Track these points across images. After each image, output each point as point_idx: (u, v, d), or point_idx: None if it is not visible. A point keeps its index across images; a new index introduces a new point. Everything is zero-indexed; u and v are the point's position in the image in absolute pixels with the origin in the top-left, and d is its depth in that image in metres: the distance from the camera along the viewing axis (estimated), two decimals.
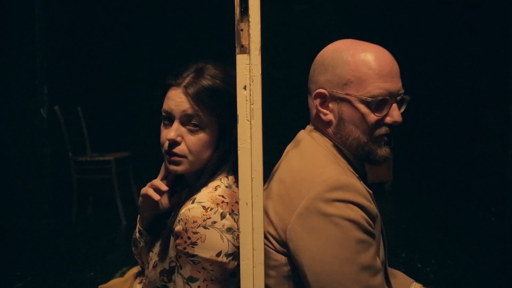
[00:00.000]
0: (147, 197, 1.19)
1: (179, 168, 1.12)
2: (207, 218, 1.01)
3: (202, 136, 1.10)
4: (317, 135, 1.12)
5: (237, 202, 1.08)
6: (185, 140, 1.10)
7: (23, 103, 3.85)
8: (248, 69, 0.88)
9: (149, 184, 1.22)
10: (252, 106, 0.88)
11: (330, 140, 1.11)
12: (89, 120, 4.27)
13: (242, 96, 0.89)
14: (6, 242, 3.52)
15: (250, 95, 0.88)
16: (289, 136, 1.24)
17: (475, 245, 3.23)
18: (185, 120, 1.10)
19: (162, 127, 1.15)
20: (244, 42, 0.89)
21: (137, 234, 1.30)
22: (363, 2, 4.95)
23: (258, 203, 0.89)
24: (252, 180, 0.89)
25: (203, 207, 1.03)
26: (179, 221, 1.04)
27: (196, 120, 1.09)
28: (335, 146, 1.10)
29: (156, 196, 1.17)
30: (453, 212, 4.16)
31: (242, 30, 0.89)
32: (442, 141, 4.96)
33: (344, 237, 0.94)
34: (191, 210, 1.02)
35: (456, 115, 4.88)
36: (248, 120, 0.88)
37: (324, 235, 0.94)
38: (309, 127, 1.16)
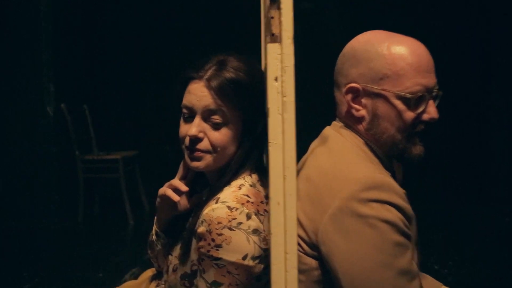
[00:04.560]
0: (165, 198, 1.13)
1: (201, 164, 1.06)
2: (232, 219, 0.96)
3: (225, 131, 1.04)
4: (346, 132, 1.07)
5: (262, 202, 1.03)
6: (208, 136, 1.04)
7: (29, 101, 3.81)
8: (280, 59, 0.82)
9: (167, 184, 1.16)
10: (284, 98, 0.82)
11: (360, 137, 1.05)
12: (95, 118, 4.22)
13: (273, 88, 0.82)
14: (13, 242, 3.48)
15: (282, 86, 0.82)
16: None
17: (492, 246, 3.17)
18: (208, 115, 1.04)
19: (181, 122, 1.09)
20: (274, 30, 0.82)
21: (154, 237, 1.24)
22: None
23: (291, 203, 0.82)
24: (284, 178, 0.83)
25: (228, 207, 0.97)
26: (202, 222, 0.98)
27: (219, 115, 1.03)
28: (366, 144, 1.05)
29: (175, 197, 1.11)
30: (467, 212, 4.09)
31: (272, 17, 0.83)
32: (455, 139, 4.87)
33: (381, 240, 0.89)
34: (215, 210, 0.97)
35: (468, 112, 4.80)
36: (280, 114, 0.82)
37: (359, 237, 0.89)
38: (337, 124, 1.11)
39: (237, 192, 1.02)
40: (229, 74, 1.04)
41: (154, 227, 1.25)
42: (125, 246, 3.32)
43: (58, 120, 3.84)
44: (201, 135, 1.04)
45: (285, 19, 0.81)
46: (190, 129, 1.04)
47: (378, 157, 1.05)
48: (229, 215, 0.96)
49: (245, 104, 1.04)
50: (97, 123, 4.25)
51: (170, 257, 1.16)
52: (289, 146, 0.83)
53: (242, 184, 1.04)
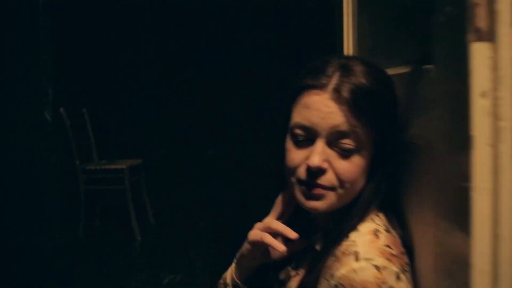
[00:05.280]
0: (261, 245, 0.87)
1: (321, 205, 0.79)
2: (382, 283, 0.70)
3: (357, 160, 0.78)
4: None
5: (403, 253, 0.77)
6: (334, 167, 0.78)
7: (25, 105, 3.50)
8: (492, 66, 0.57)
9: (261, 226, 0.88)
10: (499, 123, 0.57)
11: None
12: (95, 124, 3.91)
13: (480, 108, 0.57)
14: (8, 261, 3.12)
15: (496, 105, 0.57)
16: None
17: None
18: (336, 138, 0.77)
19: (291, 146, 0.82)
20: (481, 24, 0.57)
21: None
22: None
23: (506, 274, 0.57)
24: (496, 237, 0.57)
25: (375, 266, 0.71)
26: (336, 286, 0.72)
27: (352, 138, 0.76)
28: None
29: (281, 247, 0.84)
30: None
31: (477, 4, 0.57)
32: None
33: None
34: (359, 272, 0.71)
35: None
36: (490, 146, 0.57)
37: None
38: None
39: (376, 242, 0.76)
40: (360, 81, 0.78)
41: (232, 275, 0.98)
42: (135, 266, 3.01)
43: (56, 126, 3.52)
44: (325, 165, 0.78)
45: (503, 6, 0.56)
46: (312, 157, 0.77)
47: None
48: (377, 278, 0.70)
49: (379, 122, 0.79)
50: (97, 129, 3.96)
51: None
52: (506, 192, 0.57)
53: (377, 229, 0.78)
